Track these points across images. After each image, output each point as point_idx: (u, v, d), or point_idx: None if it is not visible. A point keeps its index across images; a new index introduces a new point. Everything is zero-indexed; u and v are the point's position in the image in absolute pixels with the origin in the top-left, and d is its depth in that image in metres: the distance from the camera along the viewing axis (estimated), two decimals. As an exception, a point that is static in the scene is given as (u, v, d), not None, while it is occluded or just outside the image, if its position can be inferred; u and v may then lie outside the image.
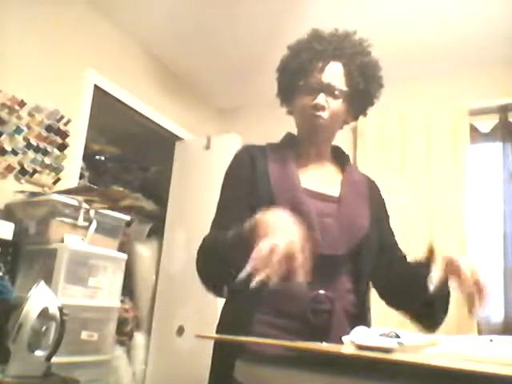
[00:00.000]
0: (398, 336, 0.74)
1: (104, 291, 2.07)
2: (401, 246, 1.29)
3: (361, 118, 1.27)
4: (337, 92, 1.12)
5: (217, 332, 1.08)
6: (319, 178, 1.17)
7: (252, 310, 1.02)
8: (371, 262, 1.18)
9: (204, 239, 1.08)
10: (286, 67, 1.20)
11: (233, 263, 0.86)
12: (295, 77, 1.15)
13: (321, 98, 1.10)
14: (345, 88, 1.12)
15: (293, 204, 1.05)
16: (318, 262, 1.04)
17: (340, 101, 1.13)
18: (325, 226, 1.06)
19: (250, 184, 1.11)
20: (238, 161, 1.17)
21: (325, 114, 1.12)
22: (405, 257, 1.24)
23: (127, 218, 2.32)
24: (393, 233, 1.27)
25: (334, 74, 1.12)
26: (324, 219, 1.07)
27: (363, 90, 1.16)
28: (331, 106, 1.12)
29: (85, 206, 2.05)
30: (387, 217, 1.26)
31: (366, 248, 1.13)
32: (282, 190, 1.08)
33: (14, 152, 2.18)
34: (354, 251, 1.09)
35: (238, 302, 1.06)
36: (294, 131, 1.27)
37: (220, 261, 0.97)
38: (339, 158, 1.26)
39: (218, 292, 1.08)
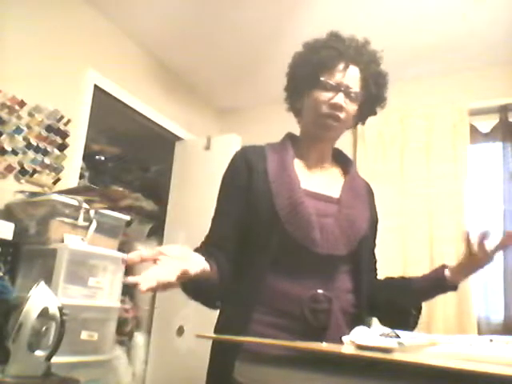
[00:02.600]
0: (398, 336, 0.74)
1: (104, 291, 2.07)
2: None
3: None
4: (354, 95, 1.13)
5: (215, 332, 1.08)
6: (320, 179, 1.17)
7: (250, 310, 1.03)
8: (369, 262, 1.19)
9: None
10: (303, 61, 1.18)
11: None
12: (315, 71, 1.14)
13: (340, 98, 1.11)
14: (361, 91, 1.14)
15: (291, 204, 1.05)
16: (317, 261, 1.05)
17: (355, 104, 1.14)
18: (324, 225, 1.06)
19: (245, 190, 1.11)
20: (233, 167, 1.18)
21: (341, 115, 1.12)
22: (376, 271, 1.27)
23: (127, 217, 2.32)
24: (375, 245, 1.27)
25: (353, 77, 1.13)
26: (323, 219, 1.07)
27: (373, 98, 1.18)
28: (348, 107, 1.13)
29: (85, 205, 2.05)
30: (376, 230, 1.26)
31: (366, 249, 1.14)
32: (281, 189, 1.08)
33: (14, 152, 2.18)
34: (354, 252, 1.09)
35: (235, 302, 1.07)
36: (294, 131, 1.26)
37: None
38: (341, 161, 1.26)
39: (209, 306, 1.09)
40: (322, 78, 1.12)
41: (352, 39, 1.17)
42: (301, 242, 1.04)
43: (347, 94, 1.12)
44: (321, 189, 1.14)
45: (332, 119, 1.12)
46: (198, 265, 0.89)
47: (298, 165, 1.16)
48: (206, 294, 1.02)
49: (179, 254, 0.85)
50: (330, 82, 1.12)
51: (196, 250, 1.06)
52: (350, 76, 1.12)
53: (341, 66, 1.12)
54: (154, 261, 0.81)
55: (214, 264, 0.97)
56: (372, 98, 1.18)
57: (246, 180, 1.12)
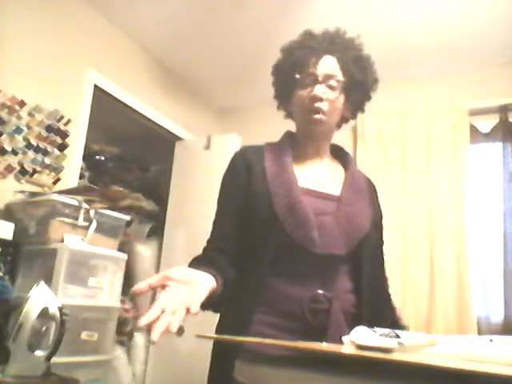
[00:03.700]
0: (398, 336, 0.74)
1: (104, 291, 2.07)
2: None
3: (361, 117, 1.27)
4: (333, 83, 1.12)
5: (216, 332, 1.08)
6: (319, 177, 1.17)
7: (251, 311, 1.02)
8: (372, 262, 1.18)
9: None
10: (280, 67, 1.20)
11: None
12: (290, 73, 1.15)
13: (318, 89, 1.11)
14: (341, 78, 1.13)
15: (289, 203, 1.05)
16: (317, 261, 1.04)
17: (337, 92, 1.13)
18: (322, 224, 1.05)
19: (245, 190, 1.11)
20: (232, 167, 1.18)
21: (324, 106, 1.12)
22: (386, 280, 1.25)
23: (127, 218, 2.32)
24: (383, 242, 1.25)
25: (329, 66, 1.13)
26: (322, 218, 1.06)
27: (359, 82, 1.16)
28: (329, 97, 1.12)
29: (85, 205, 2.05)
30: (382, 227, 1.24)
31: (367, 248, 1.13)
32: (279, 189, 1.08)
33: (14, 152, 2.18)
34: (354, 251, 1.09)
35: (236, 303, 1.06)
36: (287, 133, 1.26)
37: None
38: (341, 157, 1.25)
39: (216, 312, 1.09)
40: (297, 76, 1.13)
41: (325, 32, 1.18)
42: (299, 242, 1.03)
43: (326, 83, 1.12)
44: (320, 186, 1.13)
45: (315, 112, 1.12)
46: (206, 287, 0.87)
47: (296, 163, 1.16)
48: (213, 305, 1.01)
49: (186, 277, 0.84)
50: (305, 77, 1.13)
51: (198, 258, 1.06)
52: (326, 66, 1.13)
53: (313, 59, 1.13)
54: (163, 287, 0.80)
55: (220, 277, 0.95)
56: (359, 84, 1.16)
57: (245, 180, 1.12)
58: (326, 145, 1.22)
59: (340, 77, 1.13)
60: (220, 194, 1.17)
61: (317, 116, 1.12)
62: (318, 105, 1.11)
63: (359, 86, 1.17)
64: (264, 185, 1.09)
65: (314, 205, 1.08)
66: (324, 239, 1.04)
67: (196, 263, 0.99)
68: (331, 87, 1.12)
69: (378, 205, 1.24)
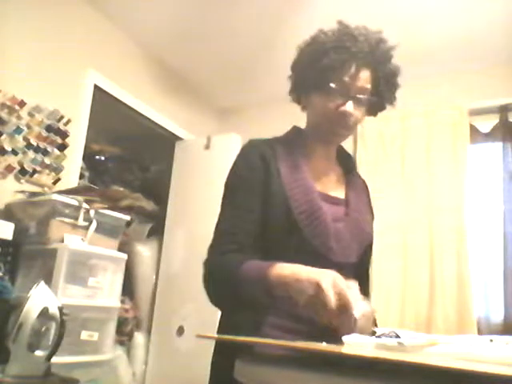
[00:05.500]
0: (398, 336, 0.74)
1: (104, 291, 2.07)
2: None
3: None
4: (364, 101, 1.08)
5: (219, 332, 1.07)
6: (327, 180, 1.15)
7: (263, 312, 1.00)
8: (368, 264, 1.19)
9: (211, 258, 1.02)
10: (311, 60, 1.10)
11: (248, 298, 0.92)
12: (324, 74, 1.07)
13: (350, 106, 1.06)
14: (371, 97, 1.10)
15: (310, 209, 1.02)
16: (330, 267, 1.03)
17: (363, 107, 1.10)
18: (339, 232, 1.04)
19: (263, 189, 1.05)
20: (249, 162, 1.09)
21: (350, 121, 1.08)
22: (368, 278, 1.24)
23: (127, 217, 2.32)
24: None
25: (364, 80, 1.08)
26: (337, 224, 1.05)
27: (384, 97, 1.14)
28: (357, 114, 1.09)
29: (85, 205, 2.05)
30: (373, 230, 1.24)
31: (370, 253, 1.14)
32: (297, 193, 1.04)
33: (14, 152, 2.18)
34: (361, 256, 1.10)
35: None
36: (295, 129, 1.23)
37: (234, 293, 0.96)
38: (342, 158, 1.24)
39: (226, 309, 1.07)
40: (331, 85, 1.06)
41: (365, 36, 1.09)
42: (317, 249, 1.02)
43: (357, 100, 1.07)
44: (329, 190, 1.12)
45: (341, 126, 1.09)
46: None
47: (307, 165, 1.12)
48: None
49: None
50: (340, 88, 1.06)
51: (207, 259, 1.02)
52: (361, 80, 1.07)
53: (351, 70, 1.06)
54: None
55: None
56: (382, 97, 1.13)
57: (263, 177, 1.06)
58: (334, 148, 1.20)
59: (370, 94, 1.09)
60: (235, 188, 1.09)
61: (342, 130, 1.10)
62: (346, 121, 1.07)
63: (381, 99, 1.15)
64: (280, 187, 1.05)
65: (331, 211, 1.06)
66: (340, 247, 1.04)
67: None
68: (360, 104, 1.08)
69: (372, 208, 1.24)
